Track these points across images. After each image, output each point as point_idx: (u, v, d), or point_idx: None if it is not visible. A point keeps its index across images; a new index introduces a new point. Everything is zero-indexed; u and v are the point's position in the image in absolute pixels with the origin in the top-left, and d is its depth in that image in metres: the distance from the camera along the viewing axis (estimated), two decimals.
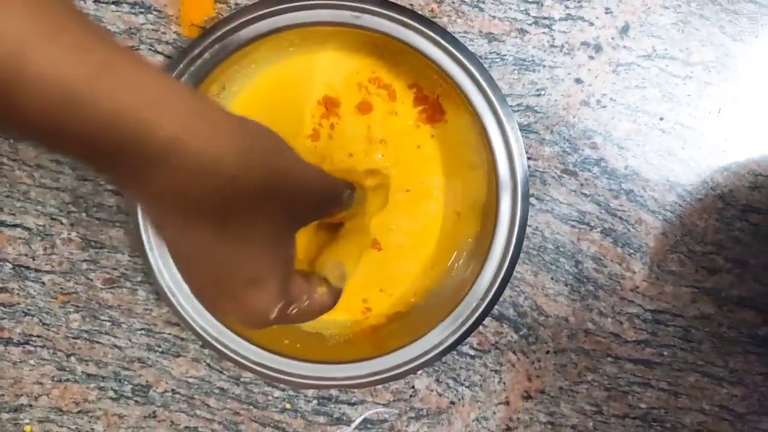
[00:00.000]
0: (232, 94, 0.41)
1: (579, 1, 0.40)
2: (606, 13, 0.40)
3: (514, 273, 0.41)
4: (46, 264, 0.43)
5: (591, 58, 0.40)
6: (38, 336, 0.43)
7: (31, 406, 0.44)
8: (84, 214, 0.42)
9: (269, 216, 0.24)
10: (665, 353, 0.43)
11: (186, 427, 0.44)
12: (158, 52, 0.40)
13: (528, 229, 0.41)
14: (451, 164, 0.42)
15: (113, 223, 0.42)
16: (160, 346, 0.43)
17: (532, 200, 0.41)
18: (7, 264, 0.43)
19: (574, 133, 0.41)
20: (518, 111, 0.41)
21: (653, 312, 0.43)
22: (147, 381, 0.44)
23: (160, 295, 0.41)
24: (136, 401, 0.44)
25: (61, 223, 0.42)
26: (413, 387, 0.44)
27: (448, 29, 0.38)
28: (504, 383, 0.43)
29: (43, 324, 0.43)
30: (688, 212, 0.42)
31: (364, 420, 0.44)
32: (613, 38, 0.40)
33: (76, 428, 0.44)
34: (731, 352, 0.43)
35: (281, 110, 0.42)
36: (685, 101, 0.41)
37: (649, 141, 0.41)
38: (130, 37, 0.40)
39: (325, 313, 0.30)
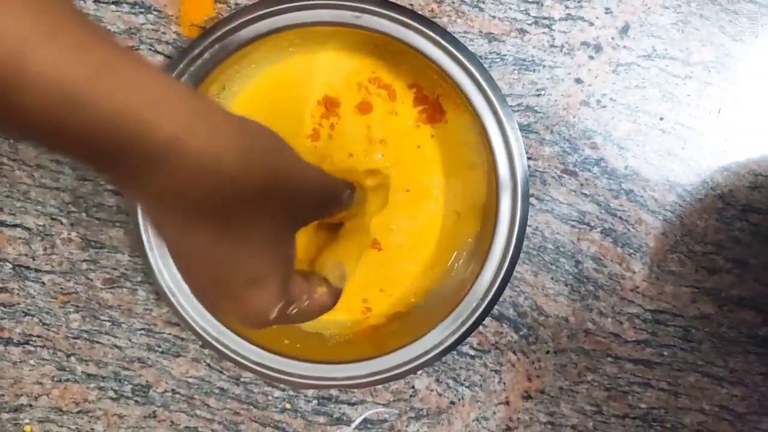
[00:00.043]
0: (232, 94, 0.41)
1: (579, 1, 0.40)
2: (606, 13, 0.40)
3: (514, 273, 0.41)
4: (46, 264, 0.43)
5: (591, 58, 0.40)
6: (38, 336, 0.43)
7: (31, 406, 0.44)
8: (84, 214, 0.42)
9: (269, 216, 0.24)
10: (665, 353, 0.43)
11: (186, 427, 0.44)
12: (158, 52, 0.40)
13: (528, 229, 0.41)
14: (451, 164, 0.42)
15: (113, 223, 0.42)
16: (160, 346, 0.43)
17: (532, 200, 0.41)
18: (7, 264, 0.43)
19: (574, 133, 0.41)
20: (518, 111, 0.41)
21: (653, 312, 0.43)
22: (147, 381, 0.44)
23: (160, 295, 0.41)
24: (136, 401, 0.44)
25: (61, 223, 0.42)
26: (413, 387, 0.44)
27: (448, 29, 0.38)
28: (504, 383, 0.43)
29: (43, 324, 0.43)
30: (688, 212, 0.42)
31: (364, 420, 0.44)
32: (613, 38, 0.40)
33: (76, 428, 0.44)
34: (731, 352, 0.43)
35: (281, 110, 0.42)
36: (685, 101, 0.41)
37: (649, 141, 0.41)
38: (130, 37, 0.40)
39: (325, 313, 0.30)
